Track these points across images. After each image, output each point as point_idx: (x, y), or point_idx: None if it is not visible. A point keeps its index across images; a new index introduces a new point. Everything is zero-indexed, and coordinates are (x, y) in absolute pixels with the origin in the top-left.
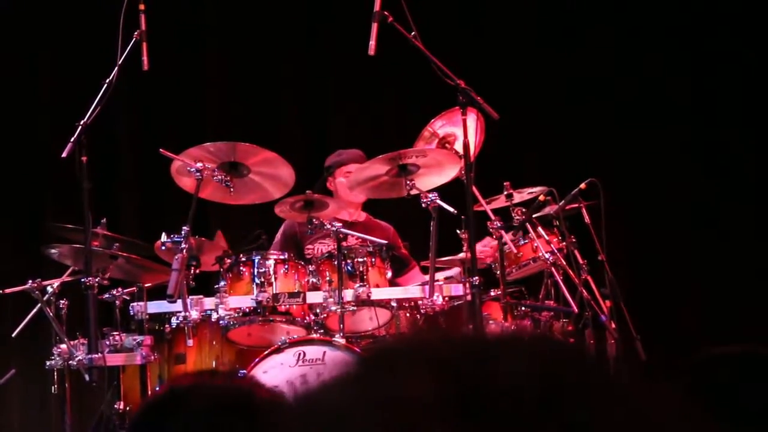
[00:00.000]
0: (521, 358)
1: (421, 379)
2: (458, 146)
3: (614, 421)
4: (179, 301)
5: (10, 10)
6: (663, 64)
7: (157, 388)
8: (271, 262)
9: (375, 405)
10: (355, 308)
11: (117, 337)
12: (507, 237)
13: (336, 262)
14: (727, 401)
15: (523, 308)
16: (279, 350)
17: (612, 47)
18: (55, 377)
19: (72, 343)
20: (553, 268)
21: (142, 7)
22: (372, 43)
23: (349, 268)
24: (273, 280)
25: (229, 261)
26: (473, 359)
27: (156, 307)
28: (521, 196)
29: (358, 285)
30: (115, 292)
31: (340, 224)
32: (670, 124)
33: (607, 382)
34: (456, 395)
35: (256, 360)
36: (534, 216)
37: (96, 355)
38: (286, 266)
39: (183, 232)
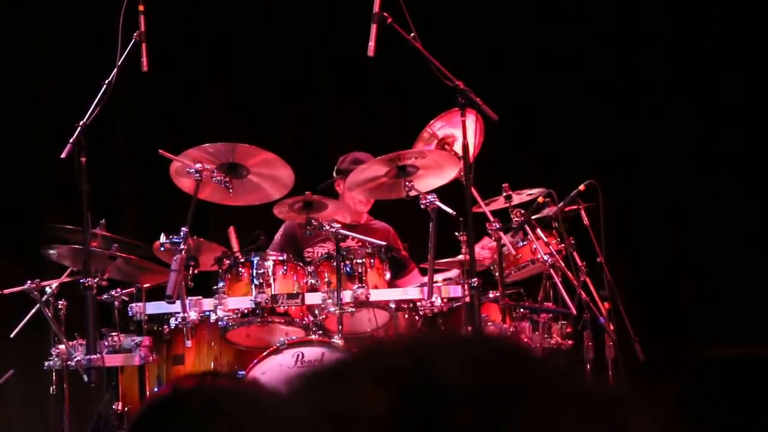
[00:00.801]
0: (456, 367)
1: (368, 394)
2: (457, 147)
3: (550, 423)
4: (178, 302)
5: (10, 10)
6: (663, 65)
7: (156, 389)
8: (269, 263)
9: (324, 418)
10: (353, 309)
11: (115, 338)
12: (506, 238)
13: (335, 264)
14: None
15: (521, 310)
16: (278, 351)
17: (612, 47)
18: (54, 378)
19: (70, 343)
20: (551, 270)
21: (141, 8)
22: (371, 44)
23: (347, 269)
24: (272, 281)
25: (227, 262)
26: (414, 371)
27: (155, 307)
28: (520, 197)
29: (356, 286)
30: (113, 293)
31: (339, 225)
32: (670, 125)
33: (548, 384)
34: (400, 408)
35: (255, 361)
36: (533, 218)
37: (94, 356)
38: (285, 267)
39: (182, 233)
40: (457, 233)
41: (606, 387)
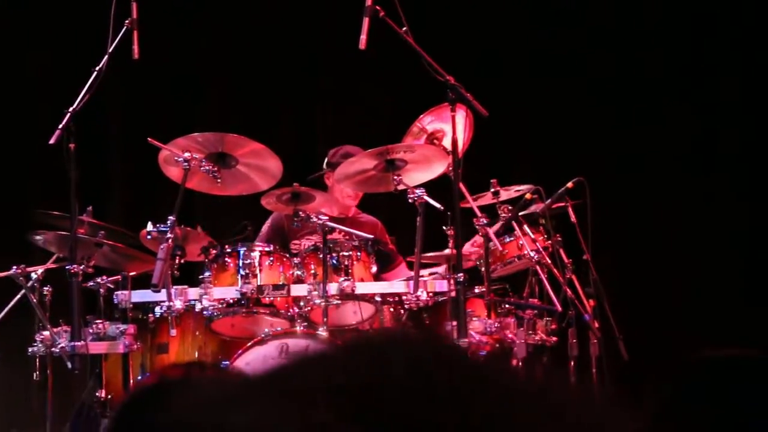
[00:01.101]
0: (402, 370)
1: (317, 403)
2: (446, 142)
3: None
4: (163, 291)
5: None
6: (655, 63)
7: (140, 377)
8: (256, 254)
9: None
10: (339, 302)
11: (100, 325)
12: (492, 234)
13: (321, 256)
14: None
15: (506, 305)
16: (262, 342)
17: (604, 45)
18: (37, 364)
19: (55, 330)
20: (537, 266)
21: None
22: (363, 37)
23: (334, 261)
24: (258, 271)
25: (214, 252)
26: (360, 376)
27: (140, 296)
28: (508, 193)
29: (342, 279)
30: (99, 280)
31: (327, 218)
32: (659, 123)
33: (480, 381)
34: (350, 414)
35: (239, 351)
36: (520, 214)
37: (79, 343)
38: (271, 258)
39: (169, 222)
40: (444, 227)
41: (563, 390)
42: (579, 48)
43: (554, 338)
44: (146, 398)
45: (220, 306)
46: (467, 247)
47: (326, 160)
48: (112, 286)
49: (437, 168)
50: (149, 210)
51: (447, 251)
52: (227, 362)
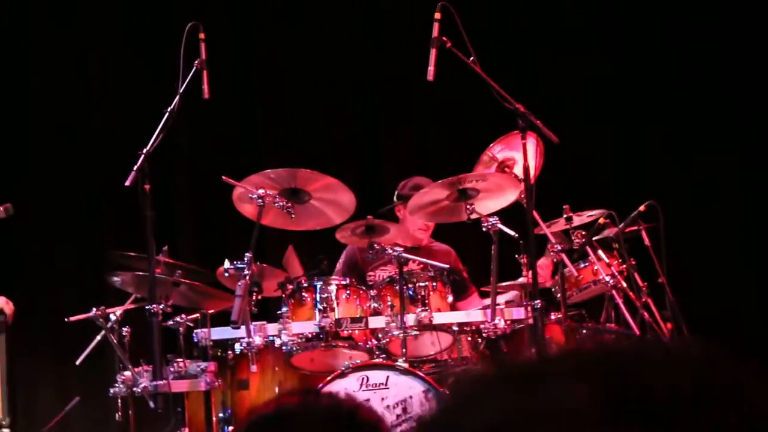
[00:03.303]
0: (665, 362)
1: (573, 388)
2: (517, 170)
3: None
4: (243, 328)
5: (72, 40)
6: (722, 86)
7: (222, 414)
8: (333, 288)
9: (527, 417)
10: (417, 332)
11: (181, 364)
12: (567, 260)
13: (397, 287)
14: None
15: (584, 331)
16: (342, 375)
17: (669, 68)
18: (119, 404)
19: (136, 370)
20: (613, 291)
21: (202, 36)
22: (431, 68)
23: (410, 292)
24: (335, 305)
25: (291, 287)
26: (621, 363)
27: (219, 333)
28: (581, 219)
29: (419, 309)
30: (178, 319)
31: (402, 249)
32: (728, 145)
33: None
34: (608, 401)
35: (320, 385)
36: (594, 239)
37: (160, 382)
38: (348, 291)
39: (246, 259)
40: (517, 255)
41: None
42: (646, 70)
43: None
44: (266, 425)
45: (299, 341)
46: (540, 261)
47: (396, 192)
48: (191, 325)
49: (509, 196)
50: (220, 248)
51: (521, 279)
52: None
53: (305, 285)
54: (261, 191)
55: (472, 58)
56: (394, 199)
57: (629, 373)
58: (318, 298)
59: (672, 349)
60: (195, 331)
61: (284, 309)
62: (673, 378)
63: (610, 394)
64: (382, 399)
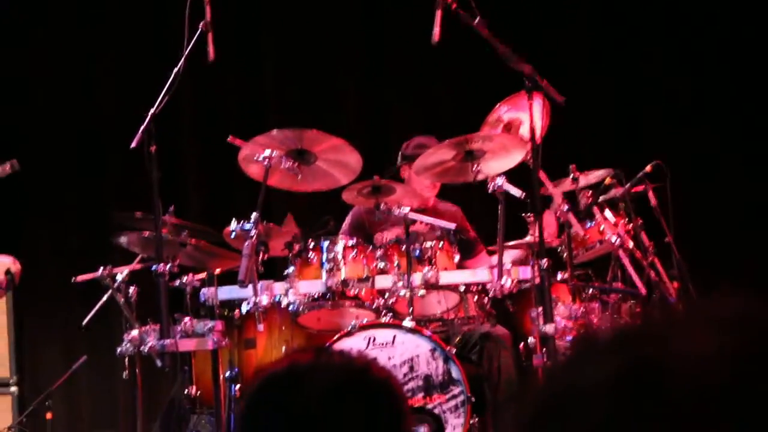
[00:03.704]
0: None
1: (712, 335)
2: (524, 131)
3: None
4: (250, 287)
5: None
6: (731, 46)
7: (228, 373)
8: (339, 248)
9: (658, 362)
10: (423, 292)
11: (188, 323)
12: (574, 219)
13: (404, 247)
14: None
15: (590, 290)
16: (349, 334)
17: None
18: (126, 363)
19: (143, 329)
20: (620, 251)
21: None
22: (436, 30)
23: (417, 252)
24: (342, 265)
25: (297, 246)
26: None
27: (226, 292)
28: (587, 179)
29: (426, 269)
30: (185, 279)
31: (408, 209)
32: (739, 105)
33: None
34: (753, 349)
35: (327, 344)
36: (600, 198)
37: (168, 341)
38: (355, 251)
39: (252, 219)
40: (524, 214)
41: None
42: (658, 30)
43: None
44: (279, 382)
45: (305, 300)
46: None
47: (400, 153)
48: (198, 284)
49: (516, 156)
50: (227, 208)
51: (528, 238)
52: None
53: (312, 245)
54: (267, 152)
55: (477, 20)
56: (398, 159)
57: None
58: (325, 258)
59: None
60: (202, 290)
61: (291, 268)
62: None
63: (754, 337)
64: (389, 358)
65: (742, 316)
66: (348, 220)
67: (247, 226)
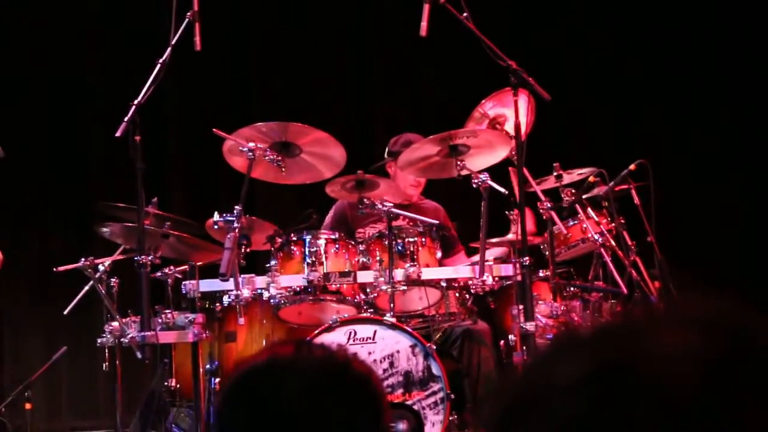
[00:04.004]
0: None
1: (683, 334)
2: (508, 127)
3: None
4: (231, 280)
5: None
6: (719, 44)
7: (209, 366)
8: (322, 242)
9: (633, 360)
10: (405, 288)
11: (169, 315)
12: (556, 217)
13: (386, 242)
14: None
15: (572, 289)
16: (330, 329)
17: (661, 28)
18: (107, 354)
19: (124, 320)
20: (602, 249)
21: None
22: (424, 24)
23: (399, 247)
24: (324, 259)
25: (280, 240)
26: (727, 317)
27: (208, 285)
28: (571, 177)
29: (408, 265)
30: (167, 271)
31: (391, 204)
32: (721, 106)
33: None
34: (722, 352)
35: (308, 339)
36: (583, 197)
37: (148, 333)
38: (337, 246)
39: (235, 211)
40: (507, 212)
41: None
42: (639, 30)
43: None
44: (258, 376)
45: (287, 294)
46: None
47: (387, 149)
48: (179, 276)
49: (500, 153)
50: (210, 200)
51: (510, 236)
52: None
53: (294, 239)
54: (251, 144)
55: (465, 14)
56: (385, 155)
57: (738, 326)
58: (307, 252)
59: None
60: (183, 282)
61: (273, 262)
62: None
63: (724, 340)
64: (369, 353)
65: (714, 318)
66: (331, 214)
67: (230, 218)
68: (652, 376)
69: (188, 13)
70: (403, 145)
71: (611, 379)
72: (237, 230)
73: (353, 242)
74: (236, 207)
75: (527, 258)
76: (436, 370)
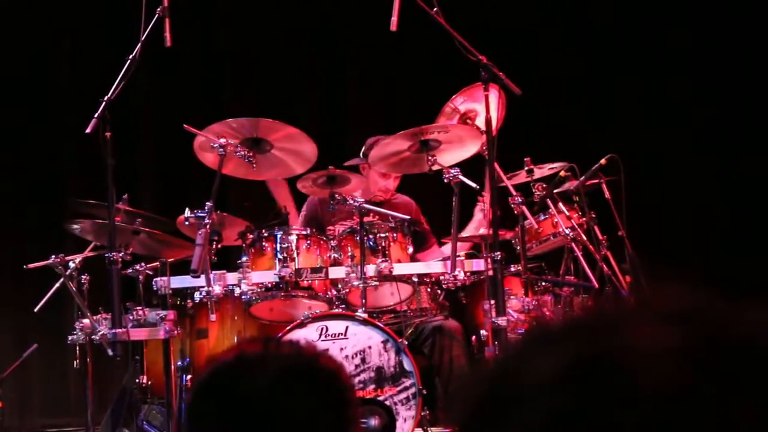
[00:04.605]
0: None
1: (663, 330)
2: (479, 122)
3: None
4: (202, 276)
5: None
6: (687, 41)
7: (180, 363)
8: (293, 238)
9: (608, 356)
10: (377, 283)
11: (140, 312)
12: (527, 212)
13: (358, 238)
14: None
15: (543, 283)
16: (302, 325)
17: (633, 22)
18: (77, 352)
19: (94, 317)
20: (573, 244)
21: None
22: (394, 18)
23: (371, 243)
24: (295, 255)
25: (251, 236)
26: (706, 312)
27: (179, 282)
28: (542, 171)
29: (380, 260)
30: (138, 267)
31: (362, 200)
32: (693, 100)
33: None
34: (699, 345)
35: (279, 335)
36: (554, 191)
37: (119, 330)
38: (309, 241)
39: (206, 208)
40: (478, 197)
41: None
42: (612, 23)
43: None
44: (227, 372)
45: (258, 290)
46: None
47: (362, 150)
48: (150, 273)
49: (471, 147)
50: (181, 196)
51: (482, 230)
52: None
53: (265, 235)
54: (222, 140)
55: (435, 9)
56: (361, 155)
57: (714, 318)
58: (278, 248)
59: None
60: (154, 279)
61: (244, 258)
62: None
63: (701, 333)
64: (341, 349)
65: (690, 310)
66: (303, 210)
67: (201, 214)
68: (630, 371)
69: (158, 9)
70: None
71: (588, 374)
72: (208, 226)
73: (325, 238)
74: (207, 203)
75: (498, 253)
76: (408, 365)
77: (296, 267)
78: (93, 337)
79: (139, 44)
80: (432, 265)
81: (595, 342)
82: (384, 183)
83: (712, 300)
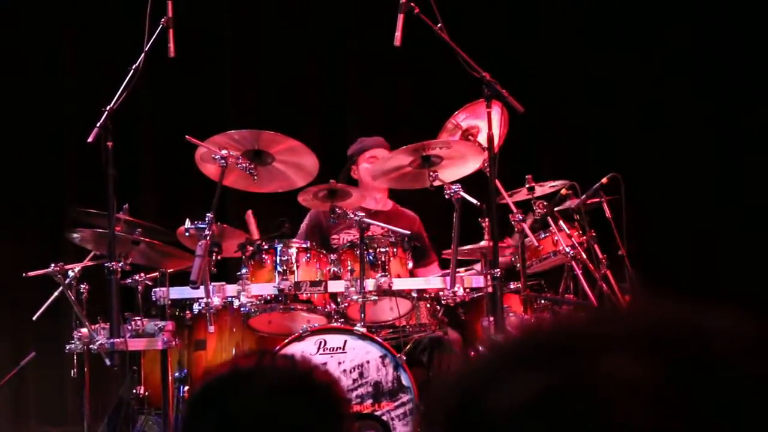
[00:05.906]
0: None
1: (629, 357)
2: (481, 139)
3: None
4: (202, 288)
5: None
6: (686, 62)
7: (178, 374)
8: (293, 251)
9: (573, 389)
10: (376, 298)
11: (139, 322)
12: (528, 230)
13: (358, 252)
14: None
15: (542, 301)
16: (300, 338)
17: (635, 43)
18: (75, 361)
19: (93, 327)
20: (573, 262)
21: None
22: (398, 34)
23: (370, 257)
24: (295, 268)
25: (251, 248)
26: (677, 332)
27: (178, 292)
28: (543, 189)
29: (379, 275)
30: (137, 277)
31: (363, 213)
32: (693, 119)
33: None
34: (674, 371)
35: (277, 348)
36: (555, 209)
37: (117, 340)
38: (308, 255)
39: (207, 219)
40: (480, 219)
41: None
42: (612, 45)
43: None
44: (221, 386)
45: (257, 302)
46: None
47: (348, 154)
48: (150, 283)
49: (473, 164)
50: (182, 207)
51: (483, 243)
52: None
53: (265, 247)
54: (224, 152)
55: (439, 25)
56: (347, 163)
57: (690, 344)
58: (278, 261)
59: (725, 320)
60: (153, 289)
61: (244, 270)
62: (738, 353)
63: (675, 363)
64: (339, 363)
65: (670, 334)
66: (305, 222)
67: (201, 225)
68: (603, 404)
69: (162, 20)
70: (357, 145)
71: (560, 407)
72: (208, 238)
73: (324, 252)
74: (208, 215)
75: (498, 270)
76: (405, 381)
77: (296, 280)
78: (91, 346)
79: (143, 54)
80: (432, 280)
81: (566, 369)
82: (372, 169)
83: (685, 316)
